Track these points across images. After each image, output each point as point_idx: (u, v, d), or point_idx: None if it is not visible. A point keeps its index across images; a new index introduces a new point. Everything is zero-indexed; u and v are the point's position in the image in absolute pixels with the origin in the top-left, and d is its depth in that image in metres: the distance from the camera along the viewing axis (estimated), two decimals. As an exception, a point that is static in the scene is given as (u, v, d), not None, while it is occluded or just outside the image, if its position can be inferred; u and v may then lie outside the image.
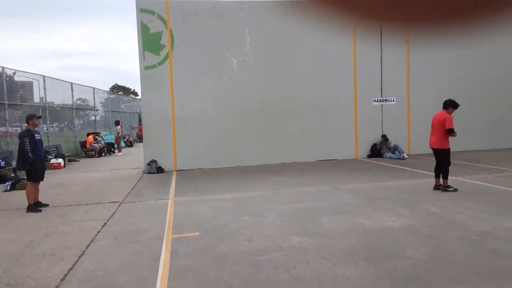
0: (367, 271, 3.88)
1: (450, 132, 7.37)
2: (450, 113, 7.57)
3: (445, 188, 7.46)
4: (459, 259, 4.08)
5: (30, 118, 7.22)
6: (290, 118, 13.07)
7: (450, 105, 7.63)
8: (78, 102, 19.92)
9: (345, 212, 6.24)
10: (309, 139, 13.02)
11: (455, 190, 7.36)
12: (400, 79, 13.80)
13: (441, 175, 7.57)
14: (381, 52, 13.56)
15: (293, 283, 3.69)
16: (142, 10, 12.05)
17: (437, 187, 7.61)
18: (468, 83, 14.14)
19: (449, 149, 7.55)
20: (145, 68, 12.14)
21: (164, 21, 12.19)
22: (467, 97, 14.10)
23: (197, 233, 5.35)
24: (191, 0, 12.50)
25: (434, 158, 7.76)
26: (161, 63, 12.24)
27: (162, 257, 4.49)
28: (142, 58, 12.11)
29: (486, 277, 3.63)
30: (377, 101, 13.76)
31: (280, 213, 6.33)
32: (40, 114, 11.19)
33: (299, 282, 3.70)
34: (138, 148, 21.96)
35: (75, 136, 18.67)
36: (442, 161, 7.54)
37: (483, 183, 8.10)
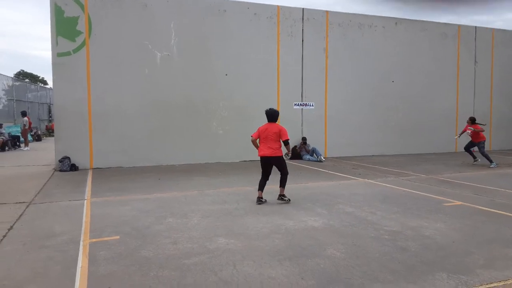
0: (292, 271, 4.01)
1: (287, 143, 7.03)
2: None
3: (281, 196, 7.11)
4: (375, 257, 4.41)
5: None
6: (214, 118, 13.03)
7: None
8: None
9: (269, 212, 6.39)
10: (233, 139, 13.10)
11: (289, 200, 7.08)
12: (319, 86, 14.51)
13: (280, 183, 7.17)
14: (302, 57, 14.13)
15: (221, 285, 3.67)
16: (56, -9, 11.11)
17: (281, 197, 7.15)
18: (382, 90, 15.34)
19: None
20: (58, 55, 11.23)
21: (82, 6, 11.38)
22: (378, 104, 15.36)
23: (118, 237, 5.07)
24: (113, -14, 11.84)
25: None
26: (76, 50, 11.42)
27: (79, 264, 4.18)
28: (55, 43, 11.19)
29: (399, 273, 3.97)
30: (297, 105, 14.31)
31: (205, 214, 6.27)
32: None
33: (227, 284, 3.70)
34: (48, 142, 20.23)
35: (-28, 127, 16.57)
36: (285, 170, 7.15)
37: (391, 186, 8.86)
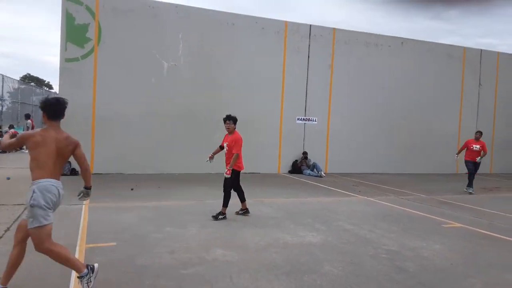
0: (288, 286, 3.98)
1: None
2: None
3: (243, 210, 7.24)
4: (372, 276, 4.37)
5: None
6: (217, 129, 12.99)
7: None
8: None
9: (267, 225, 6.37)
10: (234, 150, 13.07)
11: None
12: (322, 101, 14.54)
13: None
14: (307, 72, 14.21)
15: (216, 298, 3.65)
16: (68, -1, 11.29)
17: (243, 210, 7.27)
18: (385, 109, 15.36)
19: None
20: (67, 60, 11.34)
21: (93, 14, 11.54)
22: (381, 122, 15.38)
23: (115, 243, 5.06)
24: (124, -4, 12.01)
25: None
26: (84, 57, 11.53)
27: (75, 268, 4.15)
28: (64, 48, 11.31)
29: (395, 293, 3.94)
30: (300, 119, 14.35)
31: (204, 224, 6.26)
32: None
33: (222, 297, 3.67)
34: (49, 145, 20.26)
35: (-25, 127, 16.65)
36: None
37: (391, 204, 8.82)
